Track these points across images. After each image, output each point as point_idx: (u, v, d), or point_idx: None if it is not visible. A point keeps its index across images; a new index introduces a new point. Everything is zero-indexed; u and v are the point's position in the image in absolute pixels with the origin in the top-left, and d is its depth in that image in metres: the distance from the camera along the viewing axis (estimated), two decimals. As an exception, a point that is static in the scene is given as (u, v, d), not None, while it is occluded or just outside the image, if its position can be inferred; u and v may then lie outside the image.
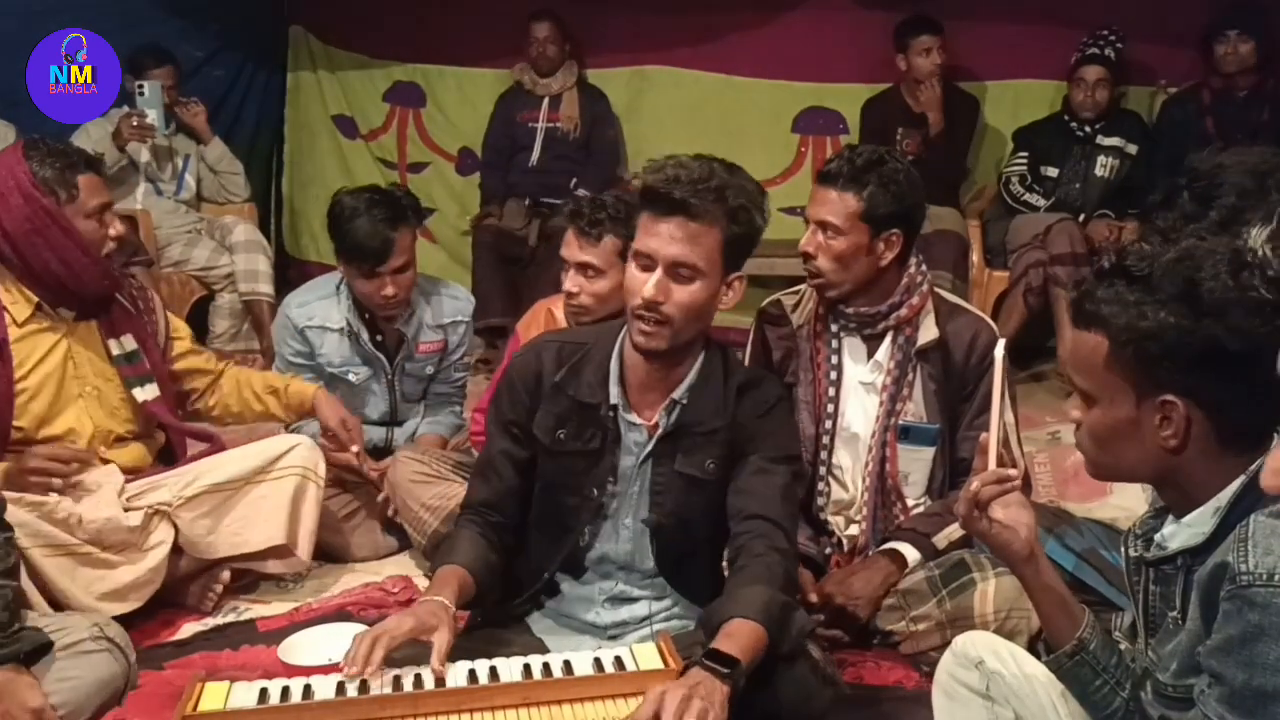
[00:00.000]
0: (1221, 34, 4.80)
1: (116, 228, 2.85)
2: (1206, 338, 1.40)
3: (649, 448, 2.17)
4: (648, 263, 2.05)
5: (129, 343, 2.91)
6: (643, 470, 2.19)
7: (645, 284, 2.04)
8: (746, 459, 2.16)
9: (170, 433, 3.04)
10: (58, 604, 2.57)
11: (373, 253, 3.16)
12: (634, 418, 2.17)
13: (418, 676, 1.90)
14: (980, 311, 2.91)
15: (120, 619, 2.38)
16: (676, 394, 2.15)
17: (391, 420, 3.48)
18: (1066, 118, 4.96)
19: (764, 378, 2.31)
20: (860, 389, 2.76)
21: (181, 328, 3.15)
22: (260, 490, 2.94)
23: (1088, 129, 4.91)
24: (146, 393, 2.91)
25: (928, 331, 2.70)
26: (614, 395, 2.16)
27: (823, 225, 2.62)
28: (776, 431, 2.19)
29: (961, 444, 2.73)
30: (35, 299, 2.76)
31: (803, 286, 2.83)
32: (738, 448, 2.17)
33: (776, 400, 2.22)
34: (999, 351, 1.82)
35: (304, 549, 3.01)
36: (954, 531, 2.66)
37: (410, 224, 3.26)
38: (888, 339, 2.72)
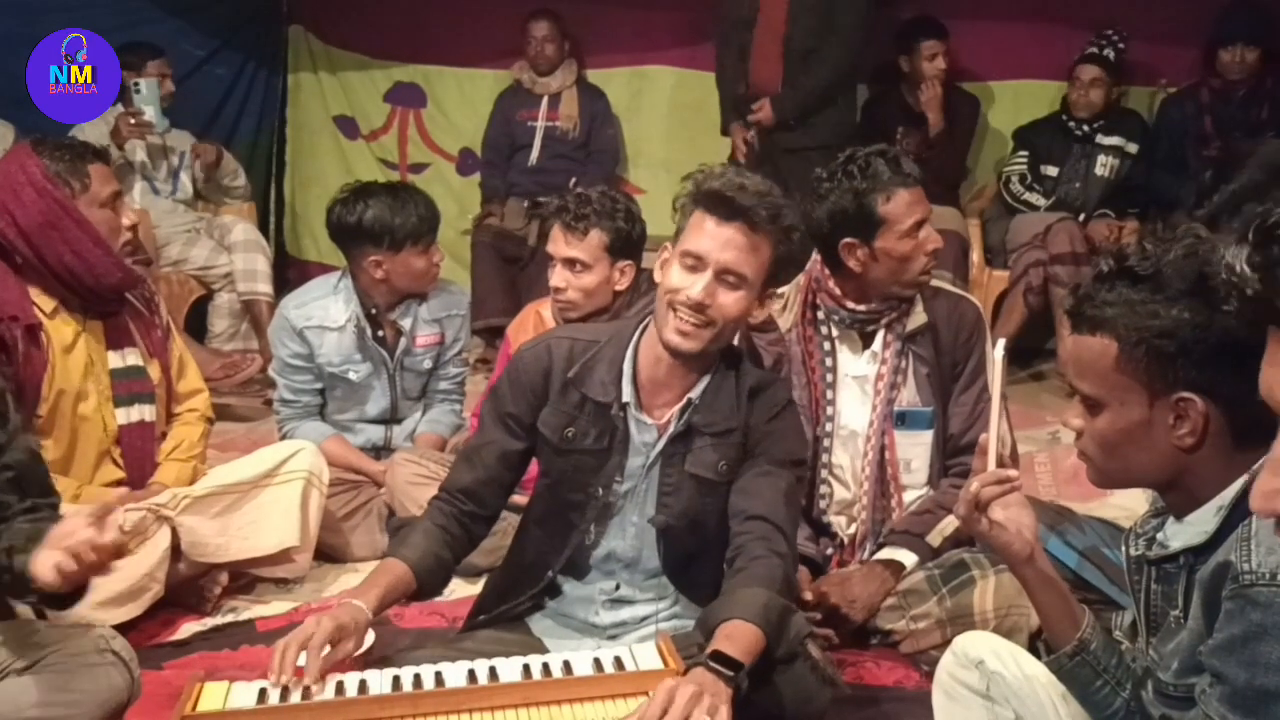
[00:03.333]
0: (1229, 44, 4.80)
1: (130, 216, 2.87)
2: (1222, 331, 1.39)
3: (658, 448, 2.16)
4: (696, 263, 2.05)
5: (131, 356, 2.89)
6: (651, 470, 2.18)
7: (692, 285, 2.04)
8: (753, 460, 2.16)
9: (127, 464, 2.89)
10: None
11: (432, 224, 3.32)
12: (644, 417, 2.16)
13: (417, 676, 1.90)
14: (962, 291, 2.93)
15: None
16: (693, 394, 2.14)
17: (391, 418, 3.48)
18: (1065, 117, 4.97)
19: (774, 380, 2.31)
20: (854, 384, 2.77)
21: (185, 356, 3.11)
22: (268, 494, 2.94)
23: (1086, 128, 4.92)
24: (130, 414, 2.88)
25: (916, 317, 2.73)
26: (626, 394, 2.15)
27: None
28: (784, 435, 2.19)
29: (951, 419, 2.76)
30: (57, 295, 2.76)
31: (785, 289, 2.83)
32: (748, 450, 2.17)
33: (785, 404, 2.23)
34: (999, 352, 1.82)
35: (305, 555, 3.02)
36: (946, 527, 2.67)
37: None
38: (882, 329, 2.74)
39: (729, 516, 2.14)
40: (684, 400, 2.14)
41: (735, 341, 2.23)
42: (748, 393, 2.17)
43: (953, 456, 2.77)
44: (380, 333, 3.38)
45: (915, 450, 2.76)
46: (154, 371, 2.94)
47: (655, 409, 2.17)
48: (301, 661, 1.89)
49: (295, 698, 1.84)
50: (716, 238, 2.03)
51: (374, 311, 3.36)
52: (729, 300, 2.05)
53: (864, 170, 2.61)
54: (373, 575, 2.12)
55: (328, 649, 1.90)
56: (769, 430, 2.17)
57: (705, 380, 2.15)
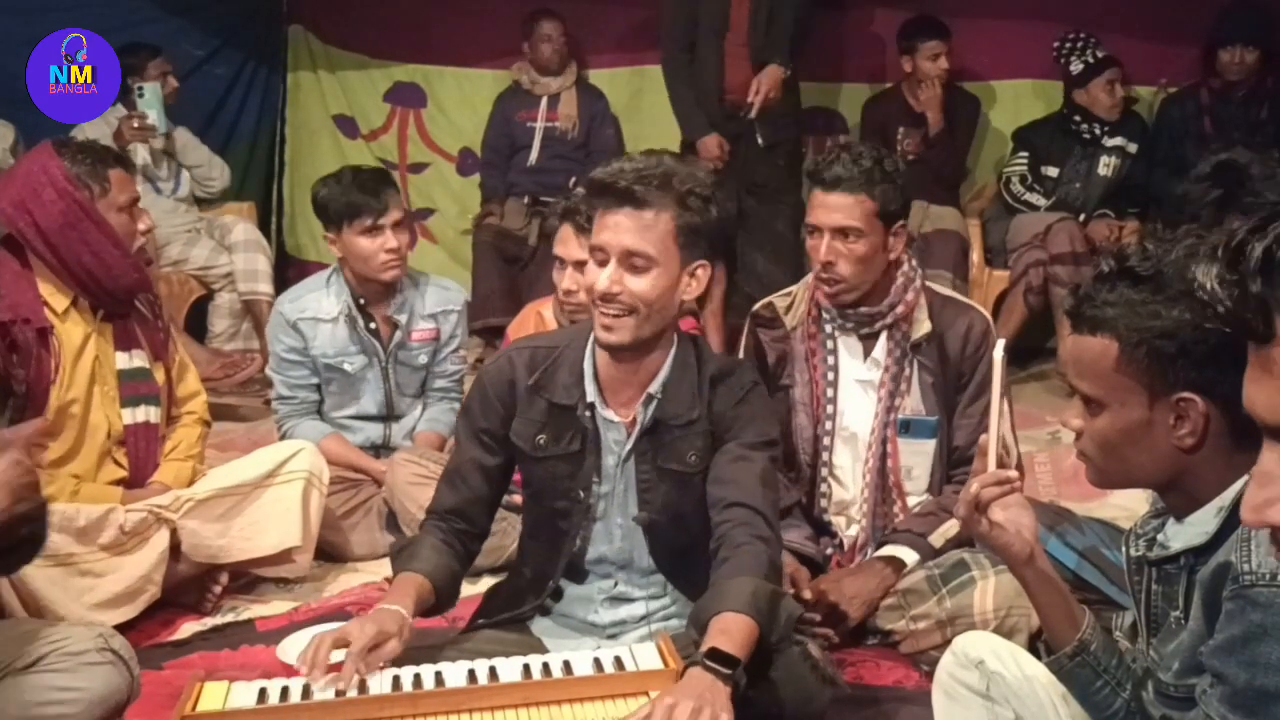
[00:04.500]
0: (1228, 44, 4.80)
1: (146, 222, 2.92)
2: (1223, 331, 1.39)
3: (629, 445, 2.17)
4: (602, 256, 2.06)
5: (138, 358, 2.91)
6: (626, 468, 2.18)
7: (599, 277, 2.04)
8: (724, 447, 2.15)
9: (131, 464, 2.91)
10: (42, 617, 2.53)
11: (372, 197, 3.30)
12: (611, 415, 2.16)
13: (417, 676, 1.91)
14: (971, 302, 2.92)
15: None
16: (652, 388, 2.14)
17: (388, 415, 3.49)
18: (1078, 118, 4.92)
19: (737, 365, 2.31)
20: (857, 387, 2.76)
21: (184, 358, 3.13)
22: (270, 494, 2.95)
23: (1096, 130, 4.90)
24: (136, 415, 2.89)
25: (922, 326, 2.72)
26: (590, 393, 2.15)
27: (842, 231, 2.62)
28: (753, 418, 2.18)
29: (956, 431, 2.75)
30: (71, 293, 2.78)
31: (795, 288, 2.84)
32: (717, 437, 2.16)
33: (751, 385, 2.22)
34: (999, 353, 1.81)
35: (306, 555, 3.03)
36: (949, 529, 2.67)
37: (392, 180, 3.53)
38: (884, 336, 2.73)
39: (708, 506, 2.13)
40: (644, 395, 2.15)
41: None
42: (709, 380, 2.17)
43: (956, 467, 2.75)
44: (372, 324, 3.39)
45: (917, 459, 2.76)
46: (159, 374, 2.96)
47: (620, 407, 2.17)
48: (335, 658, 1.89)
49: (295, 697, 1.85)
50: (611, 226, 2.04)
51: (363, 302, 3.38)
52: (640, 284, 2.04)
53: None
54: (400, 586, 2.11)
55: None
56: (737, 414, 2.16)
57: (664, 372, 2.15)
